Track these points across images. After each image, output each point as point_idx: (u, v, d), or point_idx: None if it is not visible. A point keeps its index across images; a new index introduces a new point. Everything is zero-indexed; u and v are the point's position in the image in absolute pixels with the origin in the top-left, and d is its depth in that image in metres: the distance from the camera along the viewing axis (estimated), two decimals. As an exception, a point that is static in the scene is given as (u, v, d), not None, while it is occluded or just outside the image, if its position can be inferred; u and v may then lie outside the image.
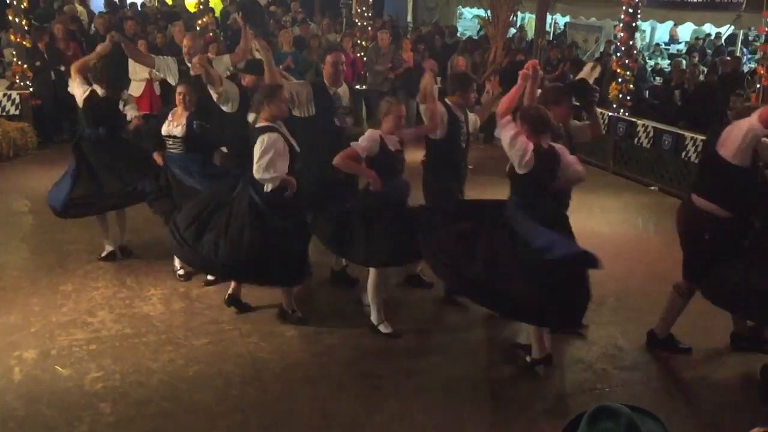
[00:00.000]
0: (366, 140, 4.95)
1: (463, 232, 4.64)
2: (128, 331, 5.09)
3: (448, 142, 5.44)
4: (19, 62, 9.86)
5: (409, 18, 19.03)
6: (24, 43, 9.83)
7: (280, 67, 7.46)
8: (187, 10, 15.00)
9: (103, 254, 6.31)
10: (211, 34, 10.85)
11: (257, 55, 6.52)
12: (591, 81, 5.04)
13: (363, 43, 11.91)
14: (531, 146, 4.44)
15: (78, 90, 5.99)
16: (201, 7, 11.45)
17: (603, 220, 8.00)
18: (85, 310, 5.36)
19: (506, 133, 4.53)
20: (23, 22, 9.89)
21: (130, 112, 6.10)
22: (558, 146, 4.63)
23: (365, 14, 12.37)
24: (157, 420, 4.11)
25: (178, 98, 5.68)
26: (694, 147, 8.95)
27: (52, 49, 10.08)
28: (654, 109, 11.03)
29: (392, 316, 5.24)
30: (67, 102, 10.25)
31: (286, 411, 4.25)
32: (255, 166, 4.86)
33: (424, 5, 19.37)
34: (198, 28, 11.18)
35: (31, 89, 9.97)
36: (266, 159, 4.82)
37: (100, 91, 5.99)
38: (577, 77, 5.80)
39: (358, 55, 11.74)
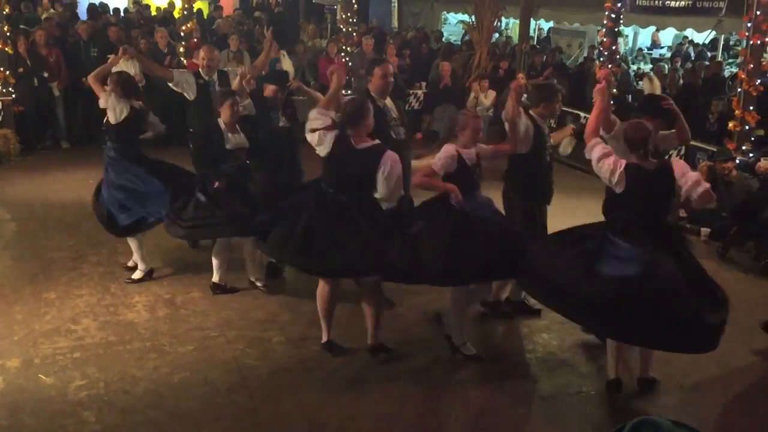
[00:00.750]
0: (443, 157, 4.69)
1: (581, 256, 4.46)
2: (112, 338, 5.06)
3: (533, 156, 5.19)
4: (1, 68, 9.78)
5: (395, 23, 19.08)
6: (6, 49, 9.76)
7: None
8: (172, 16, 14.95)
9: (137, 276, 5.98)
10: (195, 40, 10.83)
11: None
12: (658, 92, 4.97)
13: (348, 48, 11.92)
14: (621, 164, 4.30)
15: (118, 106, 5.69)
16: (185, 13, 11.41)
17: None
18: (69, 318, 5.32)
19: (593, 155, 4.41)
20: (5, 28, 9.81)
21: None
22: (675, 161, 4.46)
23: (350, 20, 12.38)
24: (143, 428, 4.08)
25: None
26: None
27: (34, 56, 10.01)
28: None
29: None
30: (50, 109, 10.33)
31: (272, 418, 4.23)
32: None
33: (409, 11, 19.43)
34: (182, 34, 11.15)
35: (13, 96, 9.89)
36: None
37: (137, 105, 5.85)
38: (645, 94, 5.75)
39: (344, 60, 11.75)
